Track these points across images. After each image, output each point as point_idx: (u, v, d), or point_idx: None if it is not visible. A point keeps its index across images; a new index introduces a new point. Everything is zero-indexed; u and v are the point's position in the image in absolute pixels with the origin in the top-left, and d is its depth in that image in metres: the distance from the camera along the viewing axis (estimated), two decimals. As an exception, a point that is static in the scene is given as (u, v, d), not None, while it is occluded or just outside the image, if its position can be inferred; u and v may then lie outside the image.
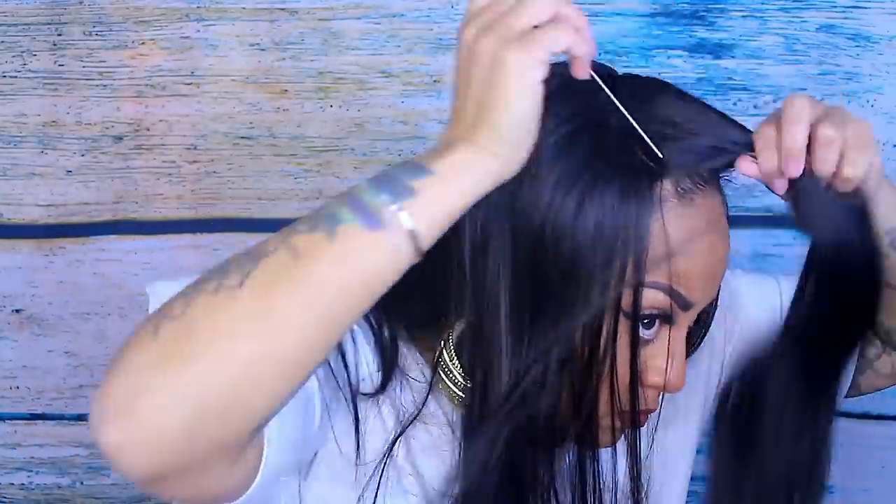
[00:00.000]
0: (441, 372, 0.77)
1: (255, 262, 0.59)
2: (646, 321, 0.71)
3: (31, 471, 1.42)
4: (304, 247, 0.59)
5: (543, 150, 0.67)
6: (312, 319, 0.58)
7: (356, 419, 0.76)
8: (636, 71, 0.77)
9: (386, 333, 0.78)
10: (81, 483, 1.42)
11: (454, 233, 0.68)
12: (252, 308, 0.57)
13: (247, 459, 0.64)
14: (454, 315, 0.74)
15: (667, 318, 0.72)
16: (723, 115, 0.72)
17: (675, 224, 0.69)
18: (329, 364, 0.75)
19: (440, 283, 0.72)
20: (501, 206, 0.69)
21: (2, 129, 1.29)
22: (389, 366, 0.78)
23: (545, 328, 0.69)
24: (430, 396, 0.78)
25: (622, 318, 0.70)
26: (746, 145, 0.70)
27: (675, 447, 0.90)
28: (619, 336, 0.70)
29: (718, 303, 0.79)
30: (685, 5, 1.25)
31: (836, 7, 1.24)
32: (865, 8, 1.24)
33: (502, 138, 0.62)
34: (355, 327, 0.77)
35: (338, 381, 0.75)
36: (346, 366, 0.76)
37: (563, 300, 0.68)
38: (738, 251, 1.34)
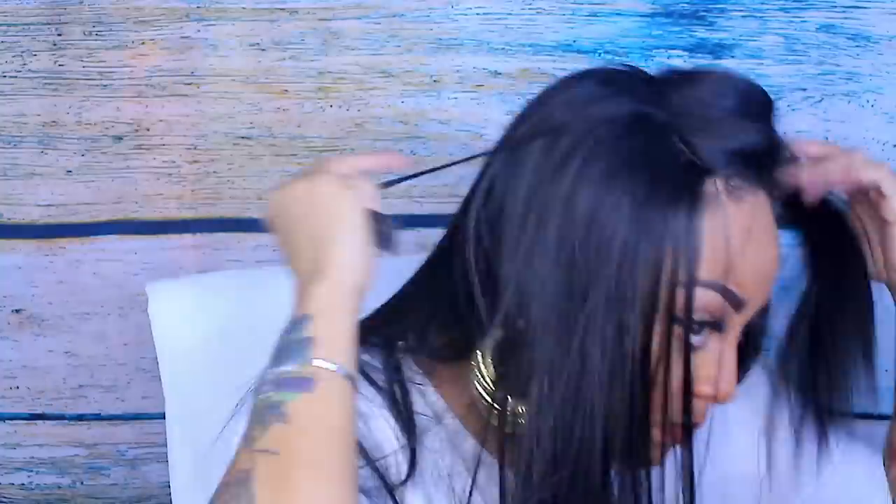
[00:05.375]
0: (479, 405, 0.76)
1: (246, 483, 0.59)
2: (696, 326, 0.70)
3: (31, 471, 1.42)
4: (272, 444, 0.60)
5: (585, 149, 0.67)
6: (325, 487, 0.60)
7: None
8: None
9: (398, 395, 0.77)
10: (81, 483, 1.42)
11: (459, 253, 0.72)
12: None
13: None
14: (479, 336, 0.73)
15: (717, 326, 0.71)
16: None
17: (727, 222, 0.69)
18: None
19: (461, 306, 0.73)
20: (542, 201, 0.69)
21: (2, 129, 1.29)
22: (413, 449, 0.77)
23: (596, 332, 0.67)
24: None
25: (673, 324, 0.69)
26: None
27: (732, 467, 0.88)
28: (670, 342, 0.69)
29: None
30: (685, 5, 1.25)
31: (836, 7, 1.24)
32: (865, 8, 1.24)
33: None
34: (368, 410, 0.76)
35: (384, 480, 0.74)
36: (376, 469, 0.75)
37: (612, 305, 0.67)
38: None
